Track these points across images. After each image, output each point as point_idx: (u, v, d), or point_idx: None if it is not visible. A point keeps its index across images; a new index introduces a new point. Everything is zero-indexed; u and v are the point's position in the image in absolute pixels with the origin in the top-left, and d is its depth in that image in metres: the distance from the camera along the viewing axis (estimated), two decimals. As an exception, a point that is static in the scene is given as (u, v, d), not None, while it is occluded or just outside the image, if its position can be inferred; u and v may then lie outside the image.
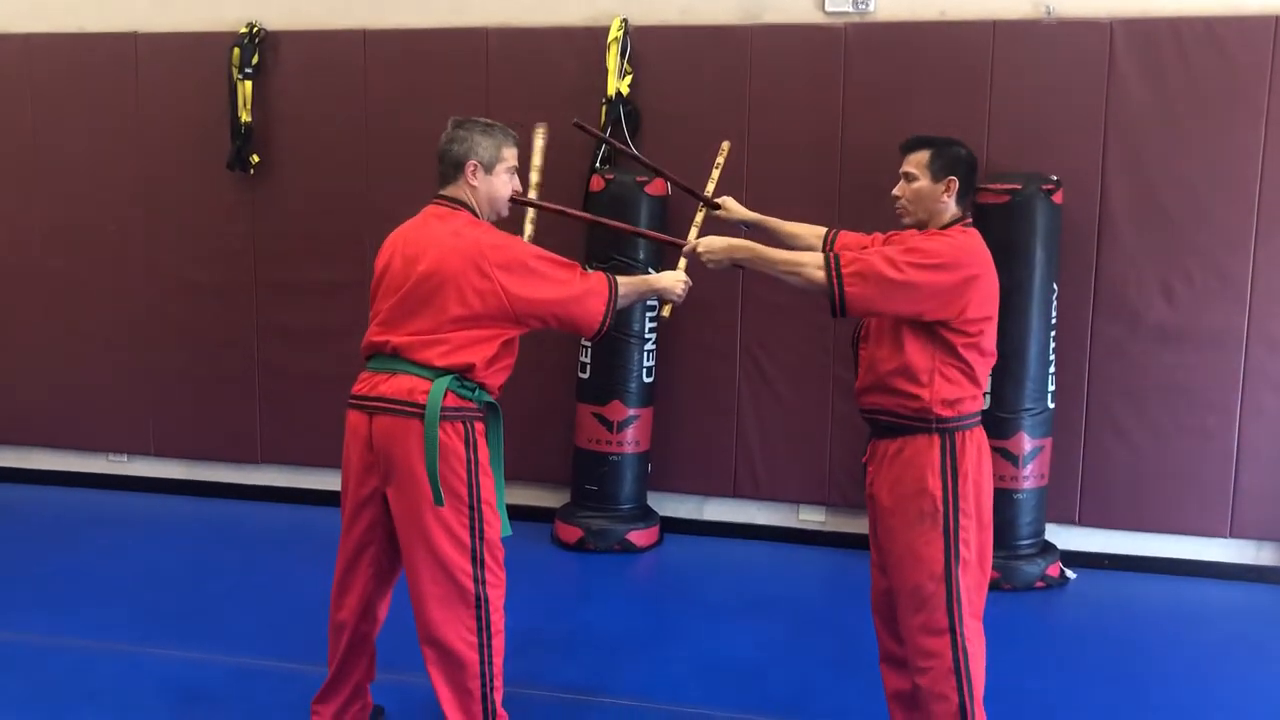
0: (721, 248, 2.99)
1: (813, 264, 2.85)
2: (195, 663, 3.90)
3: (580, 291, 3.03)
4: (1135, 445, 5.00)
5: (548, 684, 3.79)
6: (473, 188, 3.09)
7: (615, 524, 5.20)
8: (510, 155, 3.12)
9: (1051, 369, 4.84)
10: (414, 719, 3.51)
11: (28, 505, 5.87)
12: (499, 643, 3.05)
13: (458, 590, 2.99)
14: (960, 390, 2.89)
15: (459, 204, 3.09)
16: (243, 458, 5.92)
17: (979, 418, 2.97)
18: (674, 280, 3.25)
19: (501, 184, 3.11)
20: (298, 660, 3.87)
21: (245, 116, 5.57)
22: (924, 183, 2.97)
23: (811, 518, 5.41)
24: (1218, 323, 4.88)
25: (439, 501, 2.93)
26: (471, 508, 2.98)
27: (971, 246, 2.92)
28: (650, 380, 5.24)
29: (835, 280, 2.81)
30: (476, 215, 3.10)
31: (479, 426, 3.03)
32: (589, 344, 5.18)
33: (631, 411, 5.18)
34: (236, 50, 5.53)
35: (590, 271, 3.12)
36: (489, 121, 3.13)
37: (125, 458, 6.10)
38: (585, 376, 5.21)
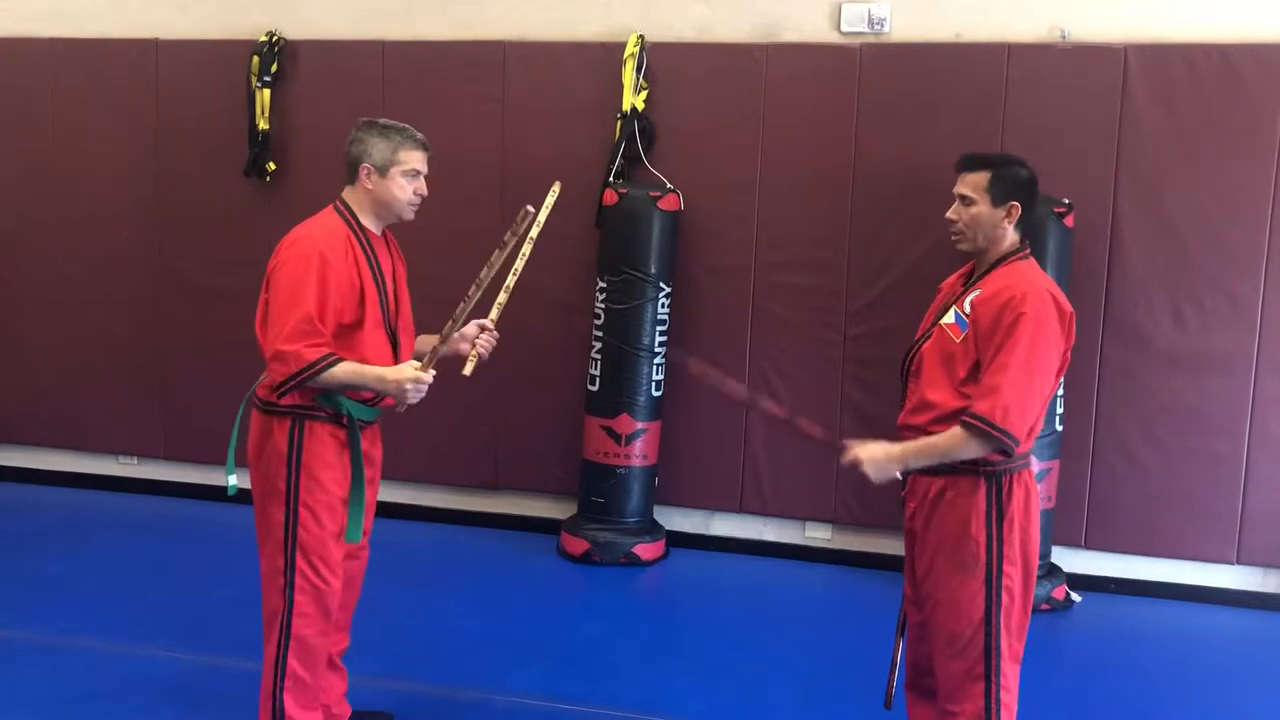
0: (884, 458, 2.76)
1: (965, 441, 2.66)
2: (201, 666, 3.91)
3: (279, 348, 2.87)
4: (1143, 469, 5.00)
5: (550, 695, 3.80)
6: (367, 190, 3.03)
7: (621, 537, 5.21)
8: (411, 158, 3.03)
9: (1059, 391, 4.85)
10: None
11: (37, 506, 5.89)
12: (299, 649, 3.00)
13: (270, 583, 3.00)
14: None
15: (345, 207, 3.05)
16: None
17: (1028, 458, 2.81)
18: (399, 386, 2.91)
19: (398, 187, 3.03)
20: (303, 666, 3.88)
21: (263, 124, 5.61)
22: (982, 208, 2.78)
23: (818, 535, 5.41)
24: (1227, 347, 4.88)
25: (230, 486, 3.14)
26: (287, 506, 2.96)
27: (1053, 298, 2.73)
28: (659, 394, 5.26)
29: (1002, 438, 2.64)
30: (354, 220, 3.03)
31: (313, 426, 2.97)
32: (598, 356, 5.20)
33: (640, 425, 5.19)
34: (256, 58, 5.58)
35: (312, 341, 2.88)
36: (390, 123, 3.06)
37: (135, 460, 6.13)
38: (594, 389, 5.23)
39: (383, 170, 3.02)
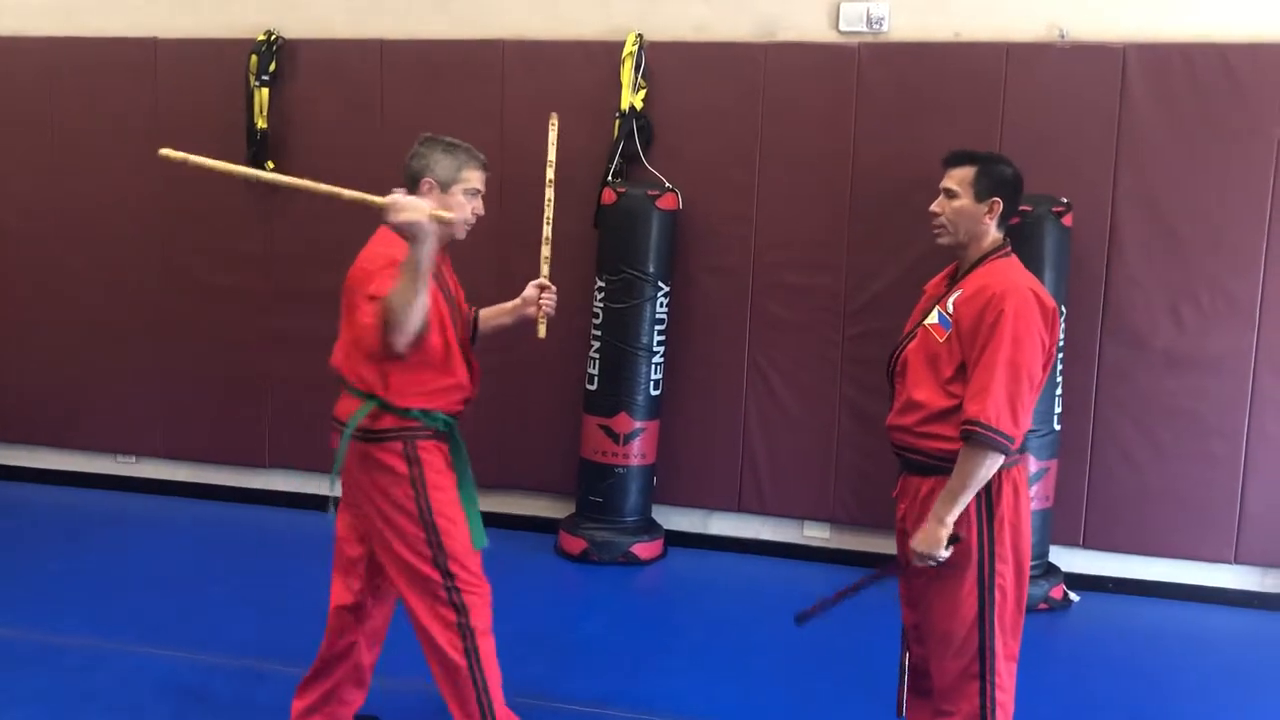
0: (932, 533, 2.72)
1: (974, 456, 2.66)
2: (198, 665, 3.91)
3: (367, 323, 2.85)
4: (1141, 469, 5.00)
5: (549, 694, 3.80)
6: None
7: (619, 536, 5.21)
8: (473, 177, 3.05)
9: (1058, 391, 4.85)
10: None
11: (35, 504, 5.89)
12: (484, 645, 3.04)
13: (435, 599, 3.00)
14: None
15: None
16: (250, 462, 5.94)
17: (1020, 456, 2.82)
18: (405, 221, 2.63)
19: (457, 204, 3.04)
20: (301, 665, 3.87)
21: (261, 123, 5.61)
22: (966, 201, 2.83)
23: (816, 534, 5.41)
24: (1225, 347, 4.88)
25: (330, 511, 3.03)
26: (424, 523, 2.98)
27: (1032, 299, 2.74)
28: (657, 393, 5.26)
29: (1002, 440, 2.64)
30: None
31: (424, 444, 3.01)
32: (596, 355, 5.20)
33: (638, 424, 5.19)
34: (254, 57, 5.57)
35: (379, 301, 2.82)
36: (454, 141, 3.08)
37: (133, 459, 6.13)
38: (592, 388, 5.23)
39: (445, 186, 3.03)
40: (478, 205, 3.10)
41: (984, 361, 2.69)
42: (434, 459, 3.03)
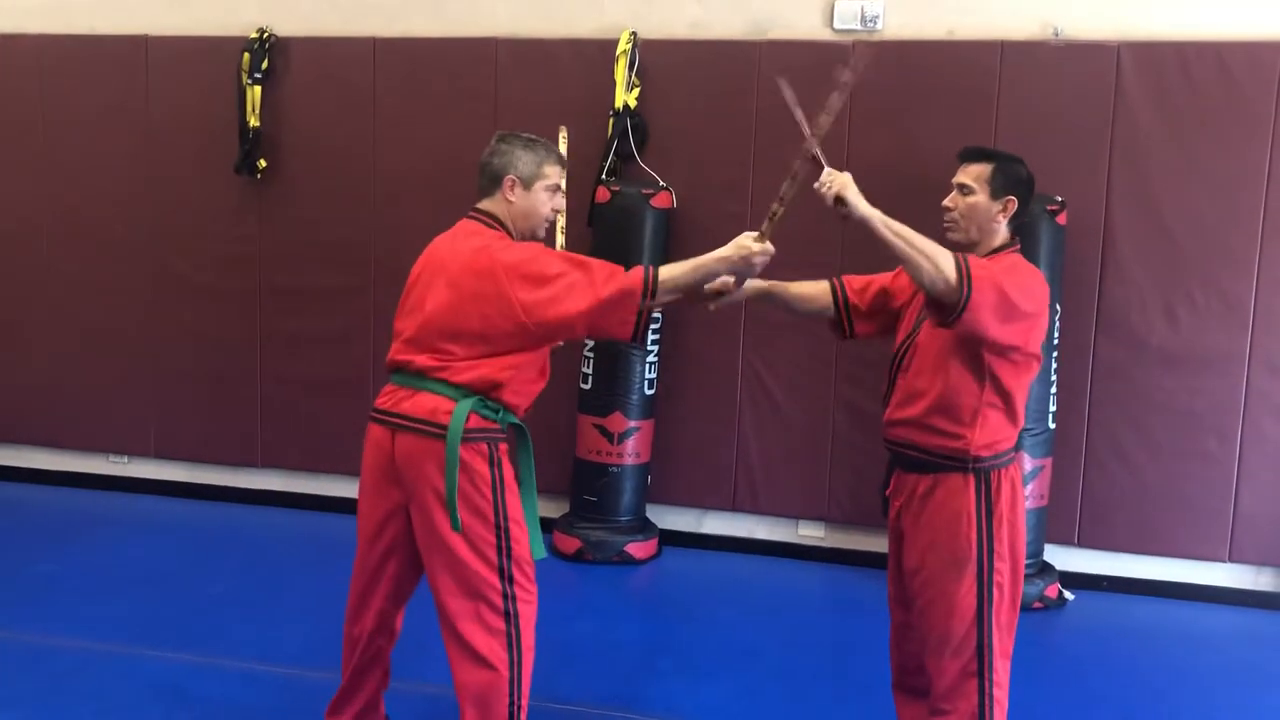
0: (856, 197, 2.84)
1: (943, 257, 2.63)
2: (191, 666, 3.90)
3: (600, 301, 2.84)
4: (1135, 467, 5.00)
5: (543, 695, 3.77)
6: (509, 203, 3.01)
7: (614, 535, 5.20)
8: (552, 173, 3.03)
9: (1053, 390, 4.85)
10: (409, 727, 3.51)
11: (27, 504, 5.87)
12: (528, 659, 3.03)
13: (488, 607, 2.97)
14: (1001, 430, 2.77)
15: (493, 219, 3.02)
16: (243, 461, 5.92)
17: (1014, 454, 2.84)
18: (746, 260, 2.94)
19: (540, 201, 3.03)
20: (294, 665, 3.87)
21: (253, 121, 5.59)
22: (981, 198, 2.83)
23: (810, 533, 5.40)
24: (1220, 346, 4.88)
25: (455, 527, 2.89)
26: (498, 526, 2.95)
27: (1041, 278, 2.79)
28: (652, 392, 5.25)
29: (965, 280, 2.59)
30: (509, 233, 3.02)
31: (503, 447, 3.00)
32: (591, 354, 5.19)
33: (632, 423, 5.18)
34: (246, 55, 5.55)
35: (626, 272, 2.89)
36: (532, 137, 3.05)
37: (126, 459, 6.10)
38: (587, 387, 5.22)
39: (527, 183, 3.01)
40: (557, 201, 3.08)
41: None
42: (506, 461, 3.01)
